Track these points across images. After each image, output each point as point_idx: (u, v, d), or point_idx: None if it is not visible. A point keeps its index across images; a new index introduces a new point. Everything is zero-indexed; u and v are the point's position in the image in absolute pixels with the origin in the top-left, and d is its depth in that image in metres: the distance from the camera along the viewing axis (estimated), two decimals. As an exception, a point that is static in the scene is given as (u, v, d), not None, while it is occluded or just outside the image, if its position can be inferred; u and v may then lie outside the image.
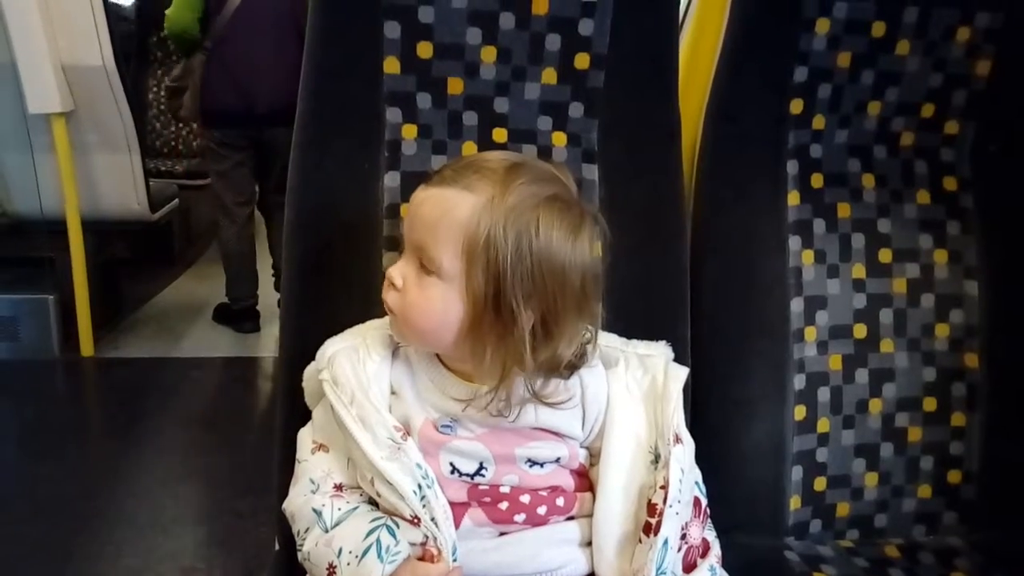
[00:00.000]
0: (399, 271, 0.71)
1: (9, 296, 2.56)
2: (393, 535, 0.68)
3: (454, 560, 0.69)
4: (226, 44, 2.54)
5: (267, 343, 2.71)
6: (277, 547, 0.92)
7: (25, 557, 1.59)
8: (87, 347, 2.59)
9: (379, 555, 0.66)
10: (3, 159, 2.52)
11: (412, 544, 0.68)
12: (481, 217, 0.66)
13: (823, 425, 1.01)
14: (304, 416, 0.81)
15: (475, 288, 0.67)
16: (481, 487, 0.73)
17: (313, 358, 0.78)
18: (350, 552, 0.67)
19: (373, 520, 0.69)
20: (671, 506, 0.70)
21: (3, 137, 2.49)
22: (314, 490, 0.74)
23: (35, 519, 1.73)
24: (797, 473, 1.01)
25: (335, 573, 0.68)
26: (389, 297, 0.72)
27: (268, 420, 2.18)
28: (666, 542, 0.69)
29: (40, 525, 1.71)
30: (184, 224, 3.62)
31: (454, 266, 0.67)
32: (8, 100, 2.40)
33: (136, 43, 3.88)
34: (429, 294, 0.69)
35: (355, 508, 0.72)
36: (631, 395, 0.78)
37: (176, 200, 3.07)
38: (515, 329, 0.66)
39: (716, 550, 0.78)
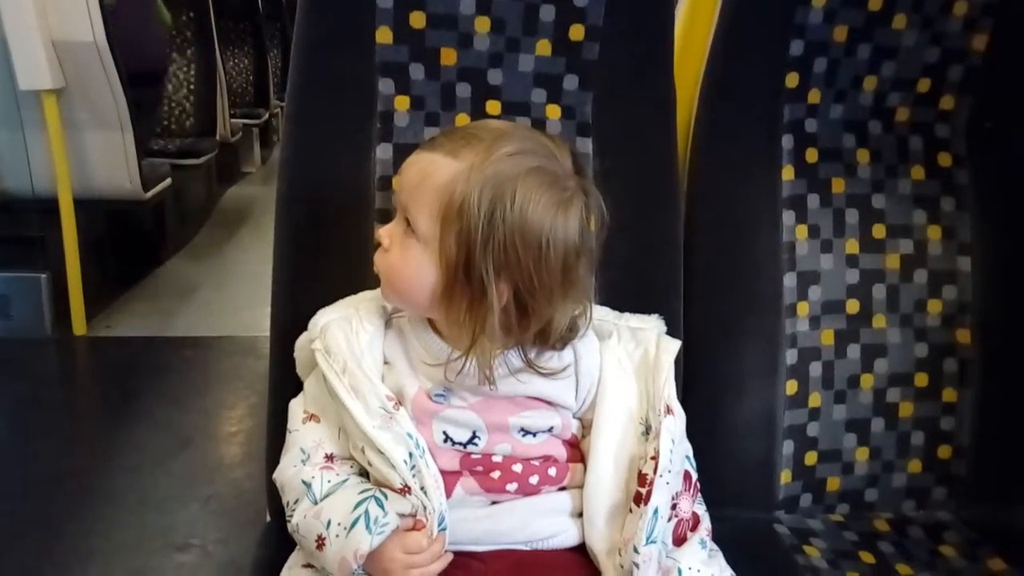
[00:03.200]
0: (387, 231, 0.72)
1: (1, 274, 2.54)
2: (381, 507, 0.68)
3: (443, 529, 0.69)
4: None
5: (260, 323, 2.69)
6: (268, 518, 0.92)
7: (16, 533, 1.59)
8: (79, 326, 2.57)
9: (367, 526, 0.66)
10: (-7, 136, 2.50)
11: (401, 515, 0.68)
12: (459, 183, 0.66)
13: (814, 400, 1.01)
14: (295, 387, 0.81)
15: (447, 253, 0.67)
16: (474, 456, 0.73)
17: (304, 329, 0.78)
18: (338, 524, 0.67)
19: (362, 492, 0.69)
20: (661, 476, 0.70)
21: (-7, 114, 2.46)
22: (304, 460, 0.74)
23: (26, 496, 1.73)
24: (788, 447, 1.01)
25: (324, 545, 0.68)
26: (376, 256, 0.73)
27: (261, 399, 2.17)
28: (656, 511, 0.69)
29: (31, 502, 1.70)
30: (177, 203, 3.58)
31: (430, 230, 0.68)
32: (-2, 77, 2.37)
33: (128, 21, 3.84)
34: (407, 255, 0.69)
35: (344, 480, 0.72)
36: (623, 368, 0.78)
37: (169, 179, 3.03)
38: (485, 299, 0.66)
39: (706, 523, 0.78)
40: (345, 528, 0.67)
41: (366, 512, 0.67)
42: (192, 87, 3.86)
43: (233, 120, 4.42)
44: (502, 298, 0.67)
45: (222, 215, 4.26)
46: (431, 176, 0.68)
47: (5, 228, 2.60)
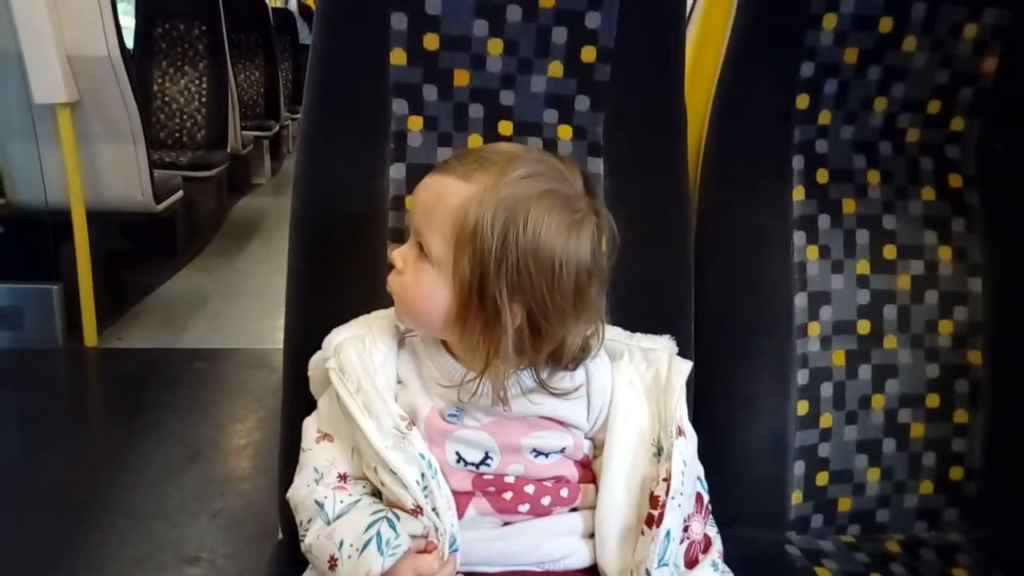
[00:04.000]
0: (401, 254, 0.73)
1: (13, 285, 2.56)
2: (393, 528, 0.68)
3: (454, 551, 0.69)
4: None
5: (271, 335, 2.71)
6: (280, 536, 0.92)
7: (26, 545, 1.60)
8: (91, 337, 2.59)
9: (379, 548, 0.67)
10: (8, 149, 2.52)
11: (413, 536, 0.69)
12: (472, 206, 0.67)
13: (826, 420, 1.01)
14: (308, 406, 0.81)
15: (461, 276, 0.67)
16: (486, 476, 0.73)
17: (317, 348, 0.79)
18: (351, 545, 0.68)
19: (374, 513, 0.70)
20: (673, 498, 0.70)
21: (8, 127, 2.48)
22: (318, 479, 0.74)
23: (37, 507, 1.74)
24: (799, 468, 1.01)
25: (336, 565, 0.68)
26: (390, 278, 0.74)
27: (272, 412, 2.18)
28: (668, 533, 0.69)
29: (42, 513, 1.71)
30: (188, 216, 3.61)
31: (444, 253, 0.68)
32: (13, 90, 2.39)
33: (141, 34, 3.89)
34: (421, 278, 0.70)
35: (357, 500, 0.72)
36: (634, 388, 0.78)
37: (180, 192, 3.06)
38: (499, 322, 0.67)
39: (718, 545, 0.78)
40: (357, 549, 0.67)
41: (378, 534, 0.67)
42: (203, 99, 3.90)
43: (244, 132, 4.46)
44: (516, 320, 0.68)
45: (233, 227, 4.29)
46: (444, 199, 0.69)
47: (18, 239, 2.62)
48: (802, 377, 1.00)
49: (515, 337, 0.68)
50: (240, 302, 3.10)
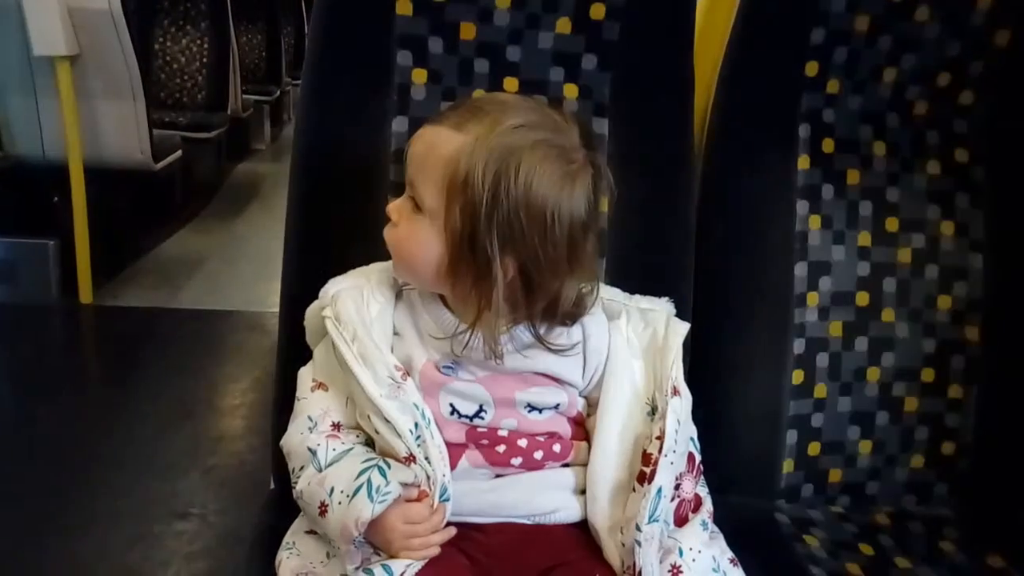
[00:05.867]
0: (396, 206, 0.72)
1: (9, 239, 2.55)
2: (384, 475, 0.68)
3: (445, 500, 0.69)
4: None
5: (266, 299, 2.71)
6: (272, 485, 0.92)
7: (20, 496, 1.60)
8: (86, 294, 2.58)
9: (369, 495, 0.66)
10: (7, 101, 2.50)
11: (404, 485, 0.68)
12: (463, 156, 0.66)
13: (820, 391, 1.01)
14: (303, 356, 0.81)
15: (453, 228, 0.67)
16: (480, 429, 0.73)
17: (314, 300, 0.78)
18: (341, 491, 0.68)
19: (365, 461, 0.70)
20: (666, 456, 0.70)
21: (7, 79, 2.46)
22: (311, 427, 0.74)
23: (30, 461, 1.75)
24: (792, 437, 1.01)
25: (327, 512, 0.68)
26: (386, 231, 0.73)
27: (264, 373, 2.18)
28: (660, 491, 0.69)
29: (34, 466, 1.72)
30: (186, 177, 3.59)
31: (436, 204, 0.67)
32: (13, 42, 2.37)
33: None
34: (414, 229, 0.69)
35: (350, 449, 0.72)
36: (631, 348, 0.78)
37: (179, 152, 3.04)
38: (490, 274, 0.66)
39: (708, 506, 0.78)
40: (347, 496, 0.67)
41: (368, 480, 0.67)
42: (204, 60, 3.85)
43: (244, 96, 4.41)
44: (507, 273, 0.67)
45: (231, 191, 4.27)
46: (436, 149, 0.68)
47: (15, 193, 2.61)
48: (798, 346, 1.00)
49: (507, 290, 0.67)
50: (237, 265, 3.09)
